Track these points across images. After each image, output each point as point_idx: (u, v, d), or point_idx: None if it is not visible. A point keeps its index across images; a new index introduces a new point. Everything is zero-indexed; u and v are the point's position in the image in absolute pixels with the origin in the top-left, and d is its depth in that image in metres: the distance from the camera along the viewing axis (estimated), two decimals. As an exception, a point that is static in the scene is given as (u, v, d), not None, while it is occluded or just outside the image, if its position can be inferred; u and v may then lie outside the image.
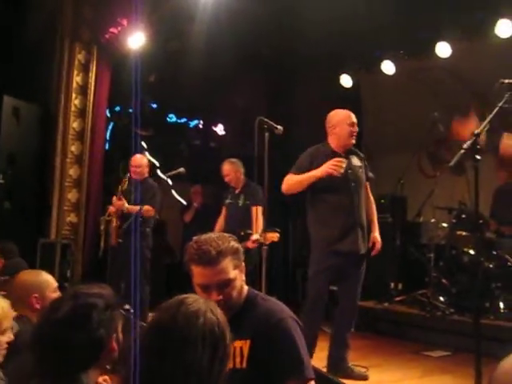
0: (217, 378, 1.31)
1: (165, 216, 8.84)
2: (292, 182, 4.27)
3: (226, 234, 2.19)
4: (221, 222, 6.20)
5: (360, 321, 6.02)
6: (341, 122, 4.35)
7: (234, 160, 6.20)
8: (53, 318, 1.57)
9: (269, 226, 4.50)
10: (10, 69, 7.84)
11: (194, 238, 2.14)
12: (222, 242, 2.09)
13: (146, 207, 5.73)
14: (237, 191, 6.12)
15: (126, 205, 5.69)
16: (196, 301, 1.44)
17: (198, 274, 2.08)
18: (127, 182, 5.78)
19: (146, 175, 6.09)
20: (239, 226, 5.67)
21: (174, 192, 9.07)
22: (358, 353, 4.84)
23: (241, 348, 2.07)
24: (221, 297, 2.05)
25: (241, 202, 5.97)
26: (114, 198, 5.80)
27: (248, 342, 2.07)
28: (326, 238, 4.15)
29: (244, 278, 2.18)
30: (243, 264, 2.16)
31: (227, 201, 6.16)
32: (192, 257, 2.07)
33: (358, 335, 5.20)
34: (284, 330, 2.06)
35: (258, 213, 5.73)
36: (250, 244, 5.25)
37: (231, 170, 6.11)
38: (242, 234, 5.36)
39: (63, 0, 7.46)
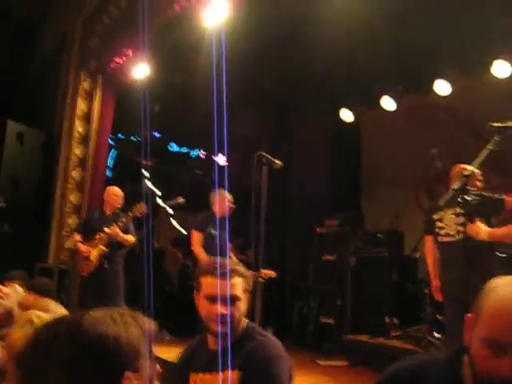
0: None
1: (163, 244, 8.88)
2: None
3: (237, 261, 2.34)
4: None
5: (353, 355, 6.03)
6: None
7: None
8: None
9: (267, 258, 4.50)
10: (15, 94, 8.00)
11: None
12: (236, 264, 2.25)
13: (131, 237, 5.85)
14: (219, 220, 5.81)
15: (121, 234, 5.76)
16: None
17: (209, 284, 2.14)
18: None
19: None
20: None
21: (173, 221, 9.12)
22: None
23: (232, 378, 2.11)
24: (225, 311, 2.11)
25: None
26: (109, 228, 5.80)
27: (239, 373, 2.11)
28: None
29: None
30: (249, 294, 2.24)
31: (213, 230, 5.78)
32: (206, 268, 2.17)
33: (350, 370, 5.18)
34: (271, 367, 2.08)
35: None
36: None
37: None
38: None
39: (71, 29, 7.64)
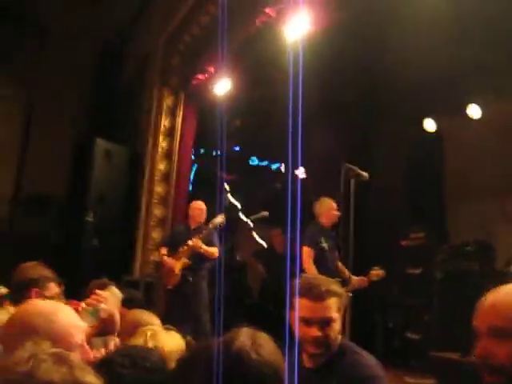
0: None
1: (245, 257, 8.93)
2: None
3: (331, 279, 2.32)
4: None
5: (441, 373, 5.79)
6: None
7: None
8: None
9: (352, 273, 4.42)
10: (103, 113, 8.32)
11: (302, 275, 2.23)
12: (330, 282, 2.22)
13: (214, 249, 5.93)
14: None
15: (204, 246, 5.84)
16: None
17: (303, 306, 2.13)
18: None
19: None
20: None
21: (255, 234, 9.16)
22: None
23: None
24: (320, 333, 2.09)
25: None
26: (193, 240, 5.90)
27: None
28: None
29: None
30: (343, 312, 2.21)
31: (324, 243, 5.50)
32: (300, 290, 2.14)
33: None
34: None
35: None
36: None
37: None
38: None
39: (154, 49, 7.87)
